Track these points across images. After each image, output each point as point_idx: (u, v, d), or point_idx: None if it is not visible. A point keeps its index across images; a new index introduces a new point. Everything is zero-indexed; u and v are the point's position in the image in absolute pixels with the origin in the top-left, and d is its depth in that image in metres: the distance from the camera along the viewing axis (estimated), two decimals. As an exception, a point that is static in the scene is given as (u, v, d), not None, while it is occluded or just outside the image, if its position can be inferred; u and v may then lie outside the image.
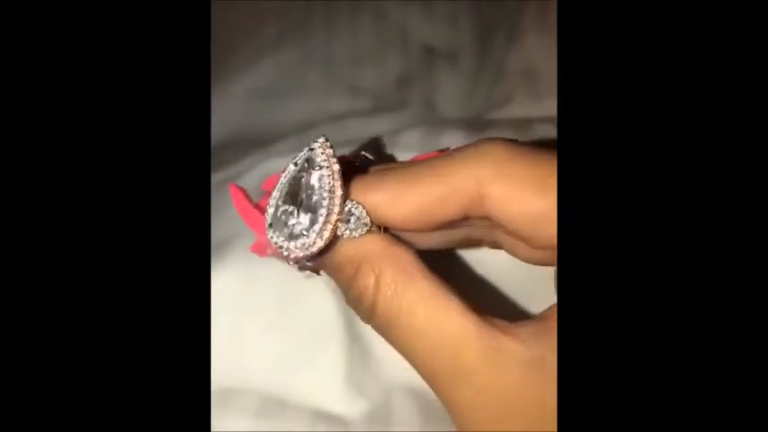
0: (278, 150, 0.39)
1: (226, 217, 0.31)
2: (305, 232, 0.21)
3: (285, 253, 0.22)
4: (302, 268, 0.24)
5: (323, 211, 0.21)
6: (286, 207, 0.22)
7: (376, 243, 0.22)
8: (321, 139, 0.22)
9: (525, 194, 0.20)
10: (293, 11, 0.46)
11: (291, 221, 0.22)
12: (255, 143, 0.40)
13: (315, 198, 0.22)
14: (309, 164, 0.22)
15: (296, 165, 0.22)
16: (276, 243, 0.22)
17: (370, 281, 0.21)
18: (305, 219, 0.21)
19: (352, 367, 0.31)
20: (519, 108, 0.41)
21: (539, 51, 0.42)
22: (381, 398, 0.31)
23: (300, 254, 0.22)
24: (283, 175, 0.22)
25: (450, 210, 0.22)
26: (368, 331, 0.32)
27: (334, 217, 0.21)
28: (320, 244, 0.21)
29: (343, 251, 0.22)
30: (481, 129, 0.39)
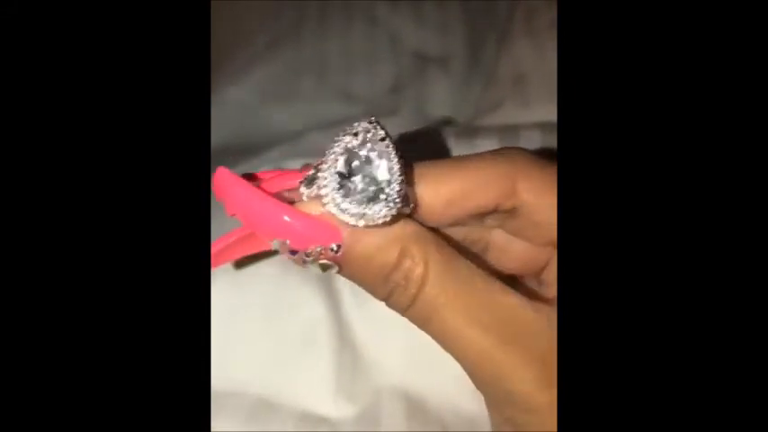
0: (271, 158, 0.39)
1: (216, 225, 0.31)
2: (381, 197, 0.20)
3: (353, 222, 0.20)
4: (320, 259, 0.22)
5: (395, 178, 0.20)
6: (351, 177, 0.20)
7: (414, 225, 0.21)
8: (372, 118, 0.21)
9: (554, 186, 0.22)
10: (285, 18, 0.46)
11: (359, 191, 0.20)
12: (248, 150, 0.40)
13: (381, 169, 0.20)
14: (371, 136, 0.21)
15: (356, 135, 0.21)
16: (345, 210, 0.20)
17: (419, 262, 0.21)
18: (373, 189, 0.20)
19: (341, 370, 0.31)
20: (508, 113, 0.42)
21: (528, 56, 0.42)
22: (370, 401, 0.31)
23: (371, 223, 0.20)
24: (335, 148, 0.21)
25: (490, 196, 0.22)
26: (357, 335, 0.32)
27: (402, 189, 0.20)
28: (393, 212, 0.20)
29: (385, 232, 0.21)
30: (470, 135, 0.39)
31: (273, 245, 0.21)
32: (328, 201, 0.20)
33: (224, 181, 0.21)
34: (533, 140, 0.38)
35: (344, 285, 0.33)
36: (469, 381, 0.30)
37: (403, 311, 0.22)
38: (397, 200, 0.20)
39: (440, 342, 0.21)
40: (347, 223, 0.20)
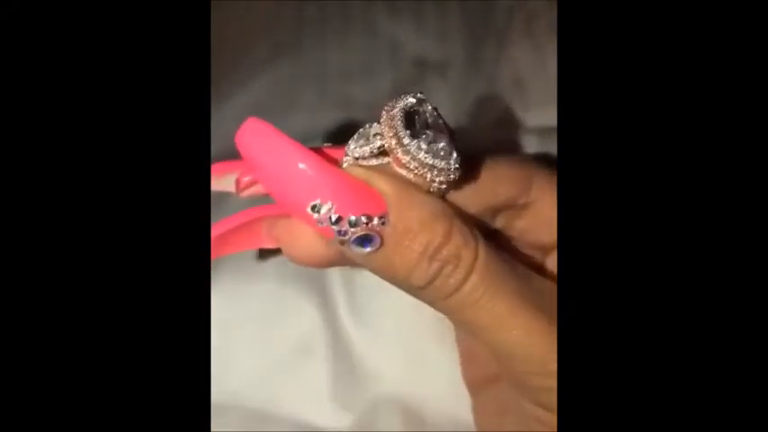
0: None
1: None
2: (453, 152, 0.19)
3: (430, 175, 0.19)
4: (364, 231, 0.19)
5: (454, 137, 0.19)
6: (421, 132, 0.19)
7: (452, 204, 0.21)
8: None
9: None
10: (284, 28, 0.46)
11: (432, 144, 0.19)
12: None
13: (443, 127, 0.19)
14: (422, 103, 0.20)
15: (417, 100, 0.19)
16: (421, 161, 0.19)
17: (469, 240, 0.20)
18: (443, 142, 0.19)
19: (337, 380, 0.32)
20: (507, 119, 0.42)
21: (527, 61, 0.42)
22: (366, 410, 0.31)
23: (445, 178, 0.19)
24: (393, 109, 0.19)
25: (511, 189, 0.23)
26: (353, 344, 0.32)
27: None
28: (460, 170, 0.19)
29: (430, 206, 0.20)
30: (467, 139, 0.39)
31: (315, 208, 0.19)
32: (402, 152, 0.19)
33: (257, 134, 0.19)
34: (531, 144, 0.38)
35: (340, 294, 0.33)
36: (465, 389, 0.30)
37: (445, 298, 0.20)
38: (460, 157, 0.19)
39: (478, 328, 0.20)
40: (417, 178, 0.19)
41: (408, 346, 0.32)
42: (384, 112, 0.19)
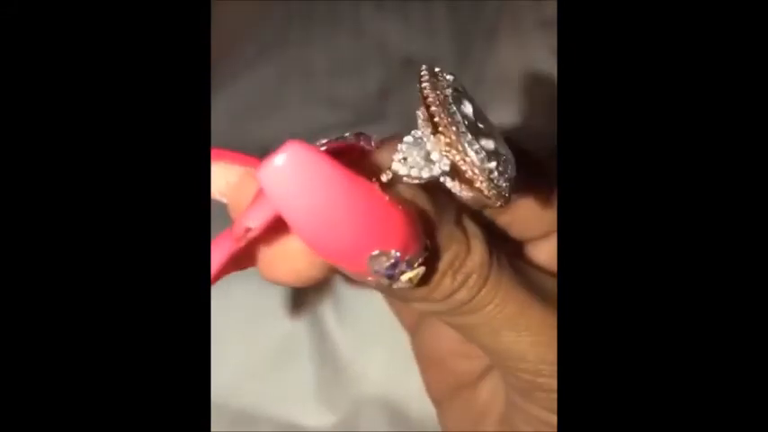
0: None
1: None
2: (510, 168, 0.16)
3: (493, 193, 0.15)
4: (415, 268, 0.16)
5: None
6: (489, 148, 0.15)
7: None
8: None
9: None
10: (271, 27, 0.46)
11: (504, 162, 0.15)
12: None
13: (493, 128, 0.16)
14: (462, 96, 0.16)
15: (458, 91, 0.16)
16: (501, 189, 0.15)
17: (483, 245, 0.18)
18: (506, 157, 0.16)
19: (322, 381, 0.32)
20: (494, 114, 0.42)
21: (514, 57, 0.42)
22: (351, 411, 0.31)
23: (503, 201, 0.16)
24: (448, 106, 0.15)
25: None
26: (338, 346, 0.33)
27: None
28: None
29: (449, 219, 0.18)
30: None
31: (375, 258, 0.15)
32: (483, 178, 0.15)
33: (305, 166, 0.13)
34: (521, 140, 0.39)
35: (325, 297, 0.34)
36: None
37: (463, 305, 0.18)
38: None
39: (485, 332, 0.19)
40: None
41: (392, 346, 0.32)
42: (439, 117, 0.15)
